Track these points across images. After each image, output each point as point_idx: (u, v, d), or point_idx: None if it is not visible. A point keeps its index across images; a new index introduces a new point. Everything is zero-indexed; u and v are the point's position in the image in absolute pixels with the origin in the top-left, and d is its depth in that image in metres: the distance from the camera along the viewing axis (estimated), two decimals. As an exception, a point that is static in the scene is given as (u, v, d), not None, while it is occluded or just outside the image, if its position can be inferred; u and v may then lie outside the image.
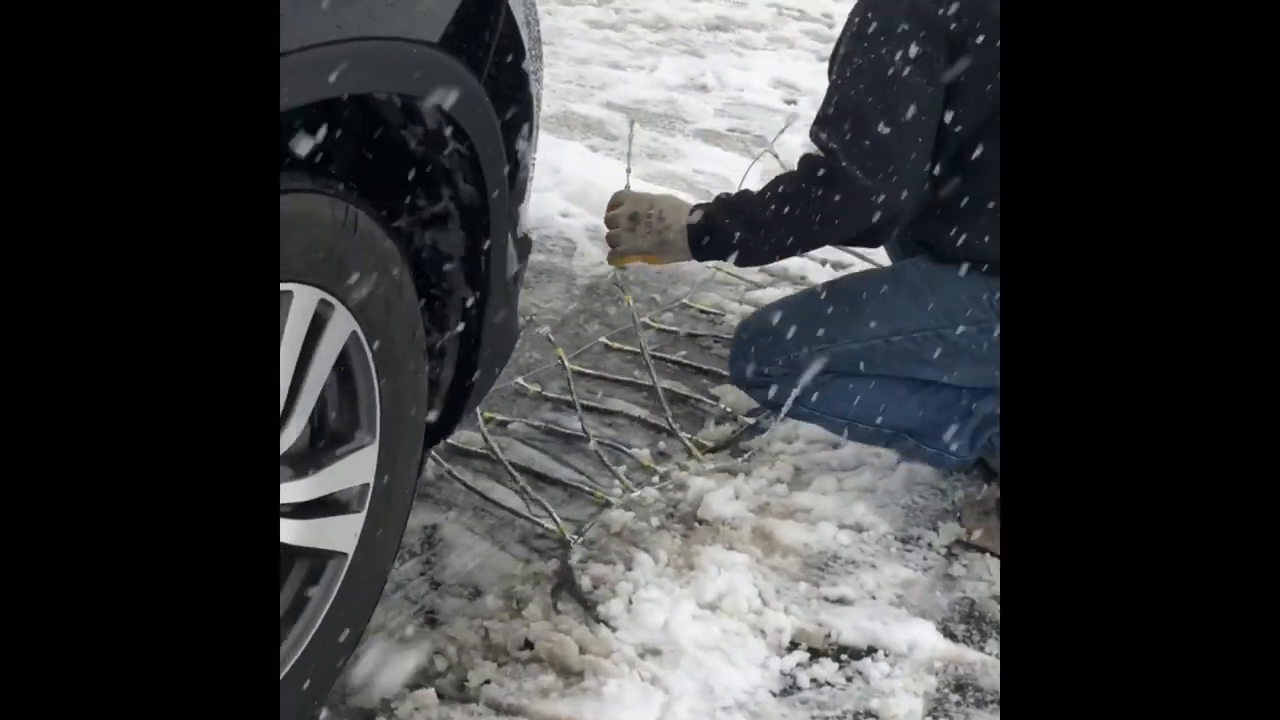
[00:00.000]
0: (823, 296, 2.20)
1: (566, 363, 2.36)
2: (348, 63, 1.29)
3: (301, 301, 1.40)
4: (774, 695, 1.79)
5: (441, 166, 1.60)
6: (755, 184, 2.17)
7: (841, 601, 2.00)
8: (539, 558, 2.02)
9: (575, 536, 2.06)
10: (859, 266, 3.06)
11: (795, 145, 4.41)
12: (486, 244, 1.68)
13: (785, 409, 2.20)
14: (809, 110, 4.88)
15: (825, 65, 5.99)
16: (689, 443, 2.38)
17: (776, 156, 3.13)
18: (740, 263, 2.09)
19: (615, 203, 2.16)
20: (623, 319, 2.86)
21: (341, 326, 1.47)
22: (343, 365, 1.52)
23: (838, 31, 6.65)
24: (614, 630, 1.85)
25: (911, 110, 1.95)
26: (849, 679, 1.84)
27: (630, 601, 1.91)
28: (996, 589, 2.05)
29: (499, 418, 2.36)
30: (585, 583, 1.96)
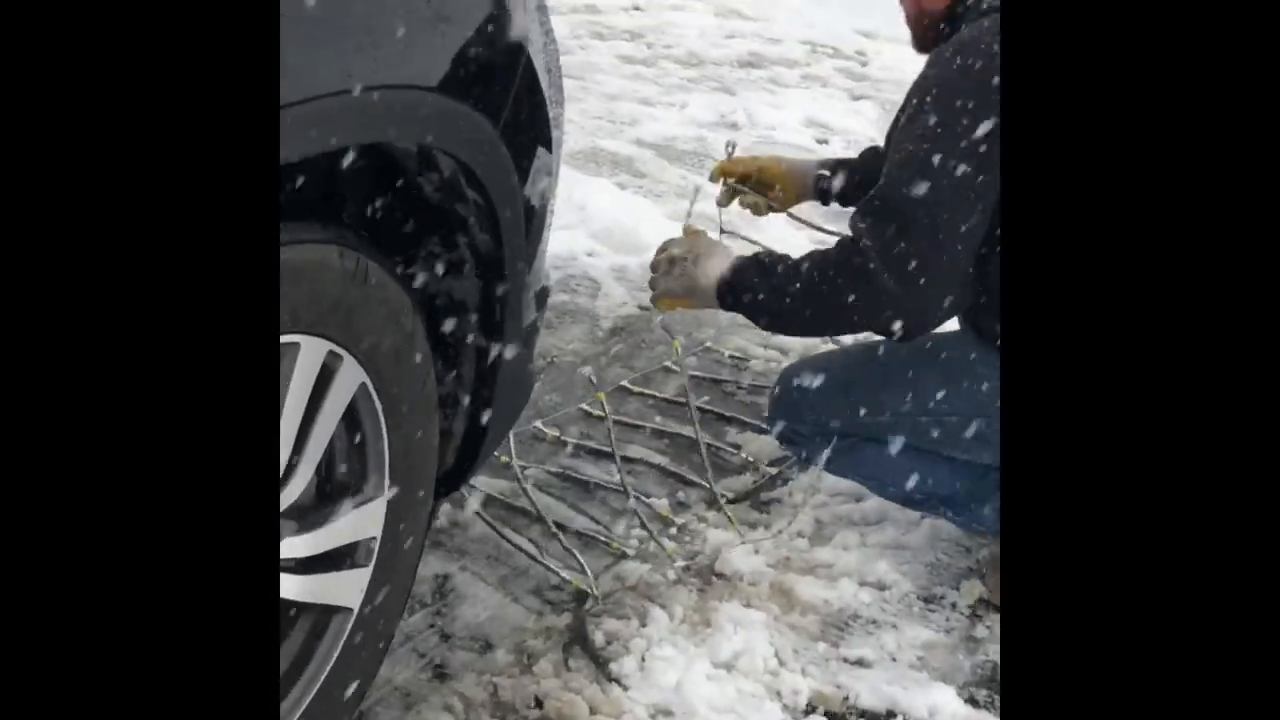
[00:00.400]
0: (860, 362, 2.14)
1: (608, 412, 2.29)
2: (358, 113, 1.27)
3: (309, 353, 1.37)
4: (789, 761, 1.74)
5: (457, 214, 1.57)
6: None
7: (861, 663, 1.95)
8: (552, 611, 1.98)
9: (594, 590, 2.01)
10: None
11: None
12: (502, 292, 1.65)
13: (818, 464, 2.15)
14: (839, 150, 4.85)
15: (857, 104, 5.93)
16: (720, 497, 2.31)
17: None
18: (763, 328, 2.04)
19: (664, 246, 2.14)
20: (646, 362, 2.82)
21: (350, 377, 1.45)
22: (351, 416, 1.49)
23: (871, 70, 6.56)
24: (626, 689, 1.81)
25: (963, 220, 1.82)
26: (867, 745, 1.79)
27: (643, 659, 1.86)
28: (1021, 653, 1.99)
29: (518, 463, 2.32)
30: (598, 638, 1.91)
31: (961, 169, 1.81)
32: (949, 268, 1.84)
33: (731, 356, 2.95)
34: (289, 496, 1.42)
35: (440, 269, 1.63)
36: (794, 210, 2.47)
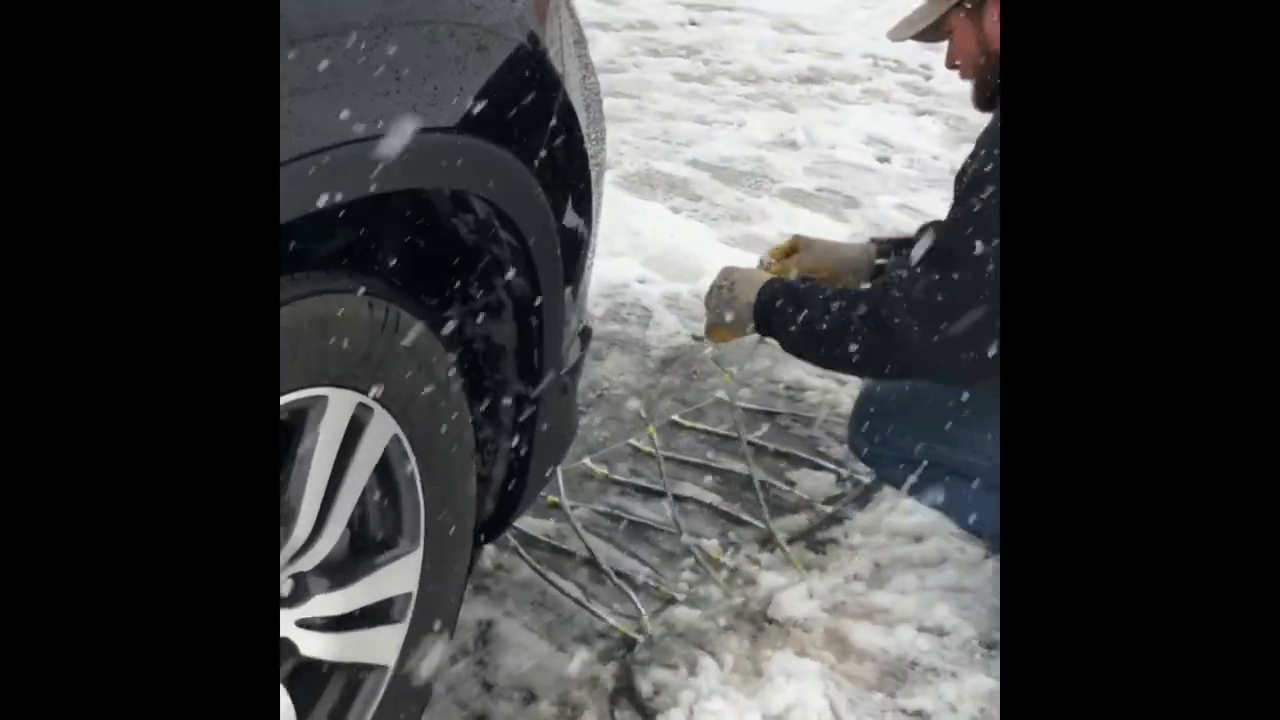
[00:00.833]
0: (949, 393, 2.07)
1: (658, 448, 2.23)
2: (386, 159, 1.22)
3: (338, 406, 1.33)
4: (843, 822, 1.67)
5: (493, 256, 1.53)
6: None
7: (919, 715, 1.87)
8: (598, 660, 1.92)
9: (646, 630, 1.95)
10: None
11: (886, 206, 4.30)
12: (541, 334, 1.60)
13: (901, 491, 2.08)
14: (901, 169, 4.77)
15: (920, 120, 5.83)
16: (777, 539, 2.24)
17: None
18: (794, 355, 2.01)
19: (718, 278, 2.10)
20: (698, 395, 2.76)
21: (382, 430, 1.40)
22: (384, 469, 1.44)
23: (935, 84, 6.45)
24: (673, 745, 1.75)
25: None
26: (925, 805, 1.71)
27: (691, 712, 1.80)
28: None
29: (568, 503, 2.26)
30: (645, 689, 1.85)
31: None
32: (978, 329, 1.80)
33: (786, 388, 2.88)
34: (319, 554, 1.37)
35: (477, 312, 1.59)
36: None
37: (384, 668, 1.50)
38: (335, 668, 1.46)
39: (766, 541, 2.25)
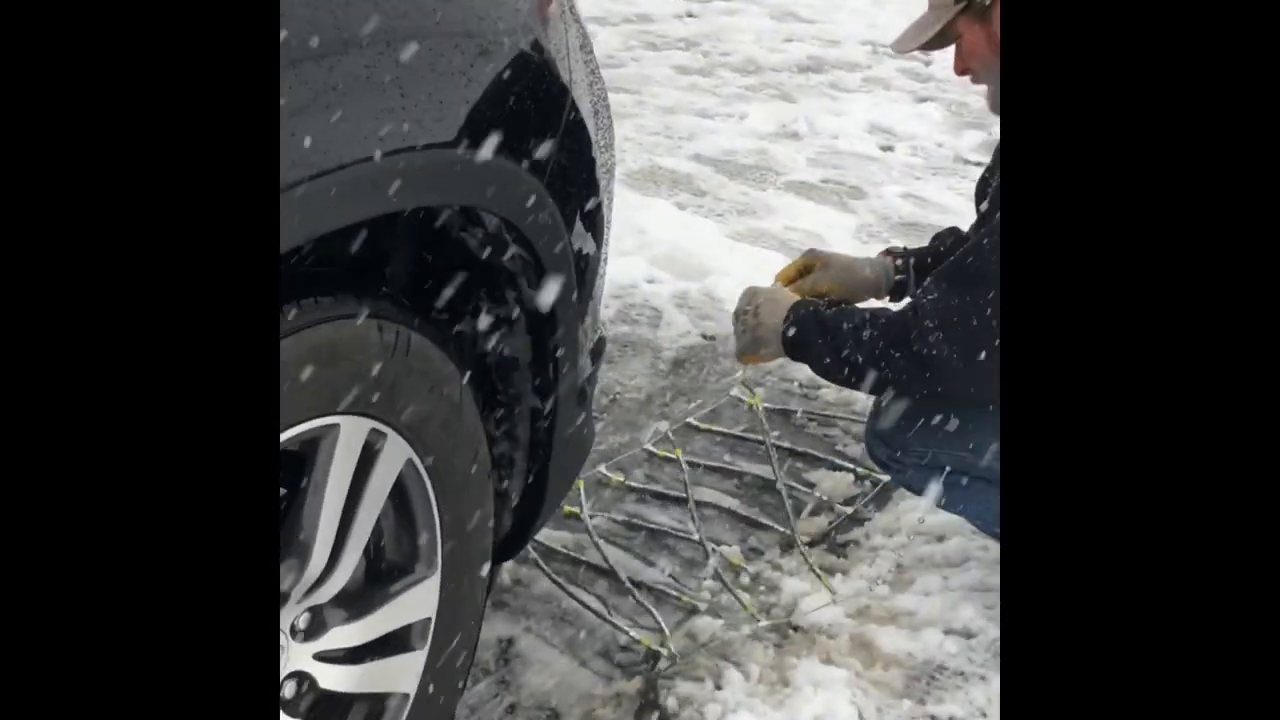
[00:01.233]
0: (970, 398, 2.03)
1: (681, 457, 2.19)
2: (390, 179, 1.19)
3: (350, 433, 1.30)
4: (878, 835, 1.63)
5: (505, 269, 1.49)
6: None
7: (950, 722, 1.84)
8: (621, 674, 1.88)
9: (665, 650, 1.91)
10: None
11: (892, 196, 4.26)
12: (555, 347, 1.56)
13: (928, 499, 2.03)
14: (905, 158, 4.72)
15: (922, 107, 5.78)
16: (800, 546, 2.19)
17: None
18: (826, 380, 1.99)
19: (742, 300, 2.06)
20: (711, 396, 2.72)
21: (395, 454, 1.37)
22: (399, 494, 1.41)
23: (935, 70, 6.41)
24: (701, 760, 1.71)
25: None
26: (960, 814, 1.68)
27: (719, 726, 1.76)
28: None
29: (587, 514, 2.22)
30: (670, 704, 1.81)
31: None
32: None
33: (801, 385, 2.84)
34: (335, 585, 1.34)
35: (490, 327, 1.55)
36: None
37: (405, 695, 1.47)
38: (356, 698, 1.42)
39: (789, 546, 2.21)
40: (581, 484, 2.08)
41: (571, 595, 2.02)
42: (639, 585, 2.07)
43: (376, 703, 1.45)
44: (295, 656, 1.33)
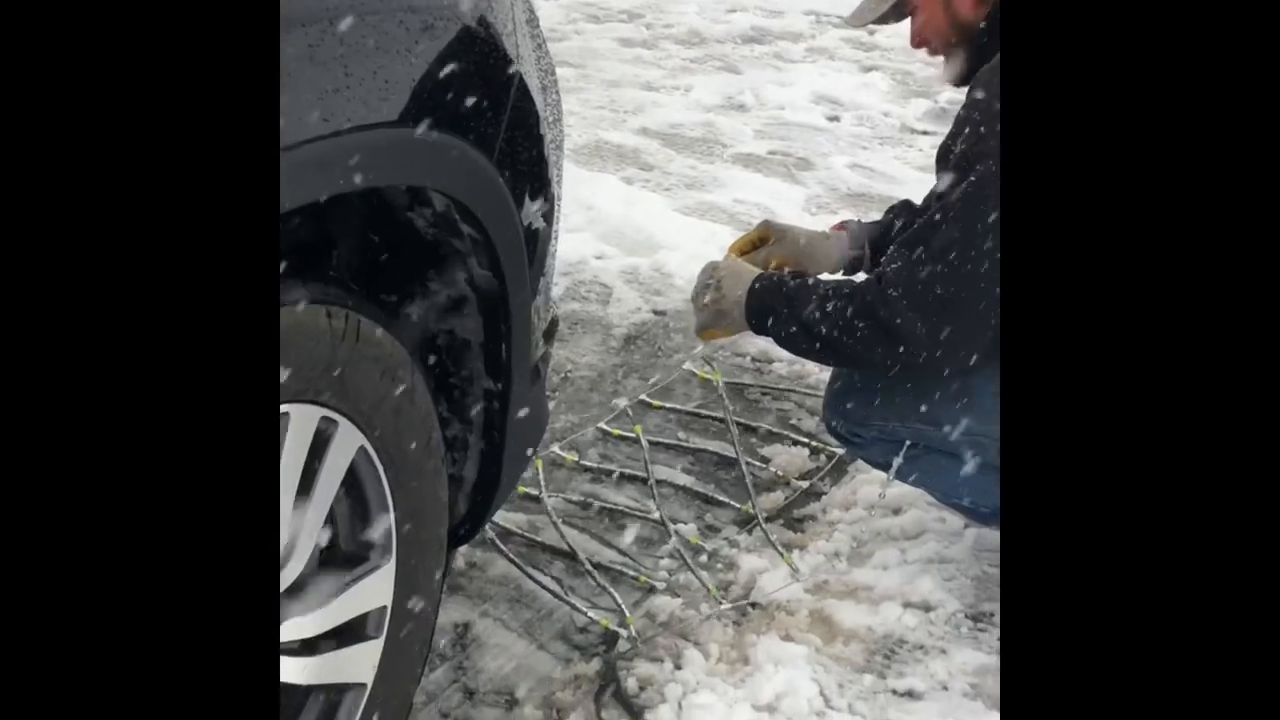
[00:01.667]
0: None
1: (641, 435, 2.17)
2: (334, 161, 1.15)
3: (300, 421, 1.26)
4: (842, 811, 1.63)
5: (454, 249, 1.46)
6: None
7: (911, 695, 1.83)
8: (580, 656, 1.87)
9: (625, 630, 1.90)
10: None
11: (840, 167, 4.25)
12: (507, 327, 1.54)
13: (890, 475, 2.01)
14: (851, 128, 4.71)
15: (868, 76, 5.77)
16: (760, 523, 2.17)
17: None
18: (790, 352, 1.95)
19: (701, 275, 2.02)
20: (665, 372, 2.70)
21: (347, 442, 1.34)
22: (351, 482, 1.38)
23: (880, 39, 6.40)
24: (663, 741, 1.70)
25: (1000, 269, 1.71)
26: (923, 787, 1.68)
27: (680, 706, 1.75)
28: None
29: (534, 493, 2.20)
30: (630, 685, 1.80)
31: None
32: (980, 318, 1.75)
33: (753, 360, 2.82)
34: (289, 576, 1.31)
35: (441, 308, 1.52)
36: None
37: (362, 685, 1.44)
38: (313, 689, 1.40)
39: (745, 523, 2.20)
40: (540, 464, 2.06)
41: (530, 576, 2.00)
42: (597, 566, 2.05)
43: (333, 693, 1.42)
44: (251, 650, 1.30)
